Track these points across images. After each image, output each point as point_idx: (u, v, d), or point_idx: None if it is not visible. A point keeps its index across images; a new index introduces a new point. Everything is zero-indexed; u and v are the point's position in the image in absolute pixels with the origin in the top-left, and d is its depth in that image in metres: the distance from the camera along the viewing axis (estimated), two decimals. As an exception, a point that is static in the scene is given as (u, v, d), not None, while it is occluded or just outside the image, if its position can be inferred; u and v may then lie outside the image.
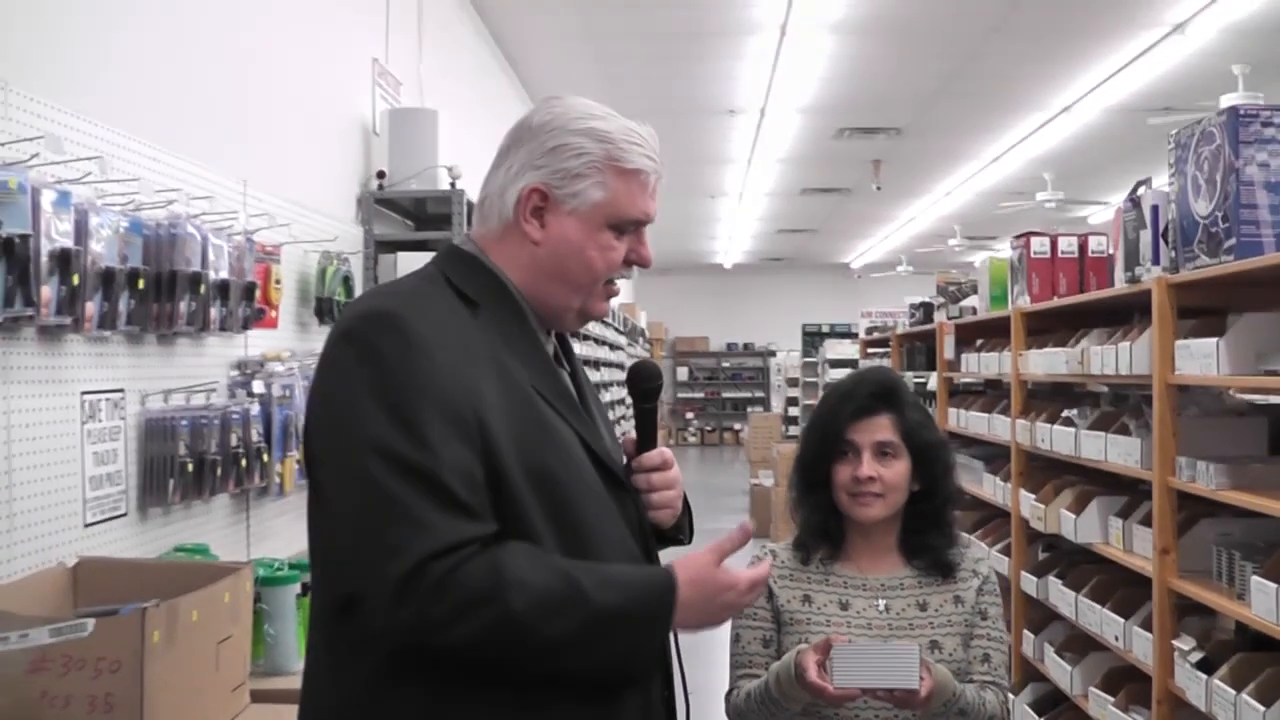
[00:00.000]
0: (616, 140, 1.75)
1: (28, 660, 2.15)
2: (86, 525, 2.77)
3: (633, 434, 1.91)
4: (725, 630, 2.32)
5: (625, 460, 1.86)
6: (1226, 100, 7.42)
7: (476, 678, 1.59)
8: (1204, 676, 2.75)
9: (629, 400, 2.01)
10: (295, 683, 2.85)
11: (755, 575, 1.75)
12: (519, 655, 1.57)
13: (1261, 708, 2.49)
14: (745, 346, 25.59)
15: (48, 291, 2.45)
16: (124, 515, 2.93)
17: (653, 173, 1.77)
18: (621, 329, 15.33)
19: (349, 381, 1.59)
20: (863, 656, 2.05)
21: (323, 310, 4.26)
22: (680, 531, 1.95)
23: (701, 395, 25.32)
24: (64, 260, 2.49)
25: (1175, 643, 2.95)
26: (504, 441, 1.61)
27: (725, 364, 25.61)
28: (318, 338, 4.27)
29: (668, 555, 1.92)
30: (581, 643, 1.58)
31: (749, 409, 22.89)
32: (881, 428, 2.28)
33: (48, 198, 2.44)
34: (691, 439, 24.93)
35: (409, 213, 5.49)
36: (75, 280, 2.52)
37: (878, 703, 2.15)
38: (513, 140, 1.81)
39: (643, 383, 1.94)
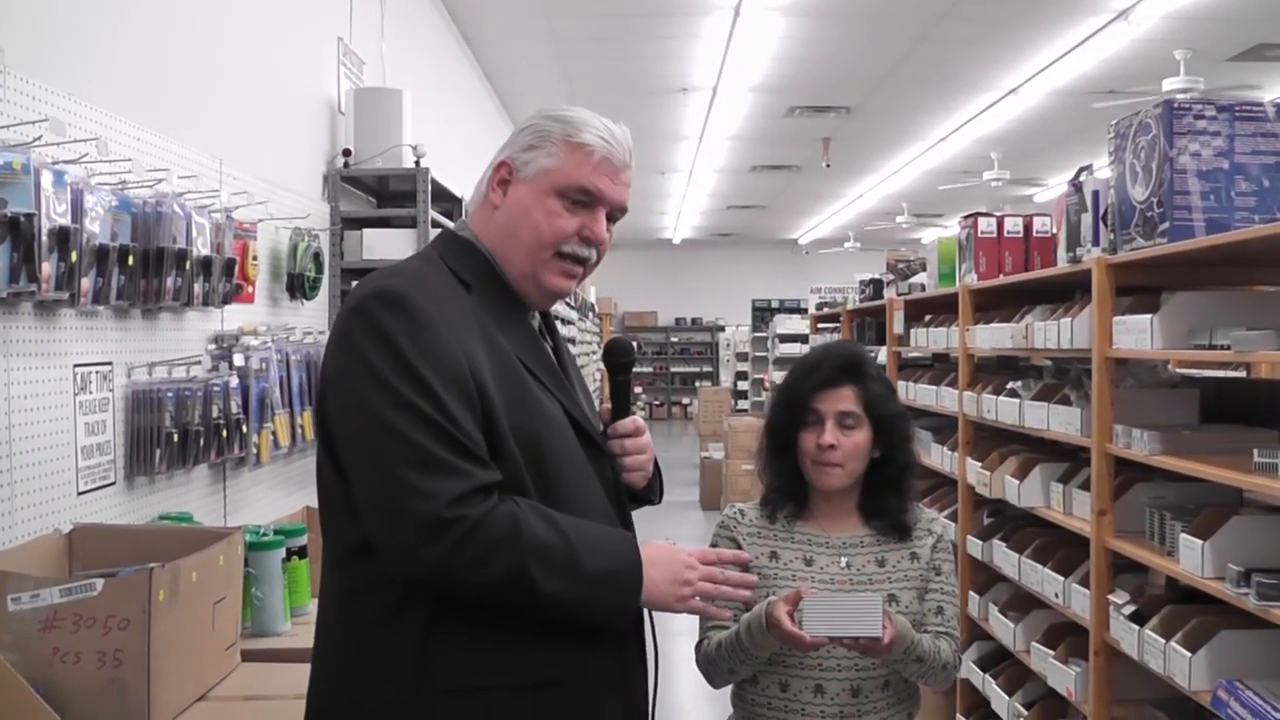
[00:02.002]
0: (574, 122, 1.93)
1: (39, 619, 2.25)
2: (79, 493, 2.87)
3: (609, 404, 2.10)
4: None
5: (602, 427, 2.04)
6: (1168, 84, 7.66)
7: (467, 619, 1.77)
8: (1136, 628, 2.95)
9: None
10: (281, 644, 3.02)
11: (707, 551, 1.98)
12: (520, 603, 1.75)
13: (1188, 654, 2.70)
14: (693, 321, 25.73)
15: (48, 268, 2.55)
16: (112, 484, 3.03)
17: (599, 149, 1.91)
18: (572, 304, 15.45)
19: (364, 350, 1.75)
20: (830, 607, 2.20)
21: (294, 286, 4.35)
22: (651, 493, 2.14)
23: (650, 370, 25.46)
24: (63, 238, 2.58)
25: (1110, 597, 3.15)
26: (497, 407, 1.79)
27: (674, 339, 25.76)
28: (289, 313, 4.37)
29: (639, 515, 2.11)
30: (571, 599, 1.77)
31: (697, 383, 23.09)
32: (844, 399, 2.44)
33: (47, 178, 2.54)
34: (640, 413, 25.00)
35: (372, 190, 5.58)
36: (74, 257, 2.63)
37: (841, 650, 2.31)
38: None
39: (617, 357, 2.14)
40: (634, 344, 2.23)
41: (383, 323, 1.75)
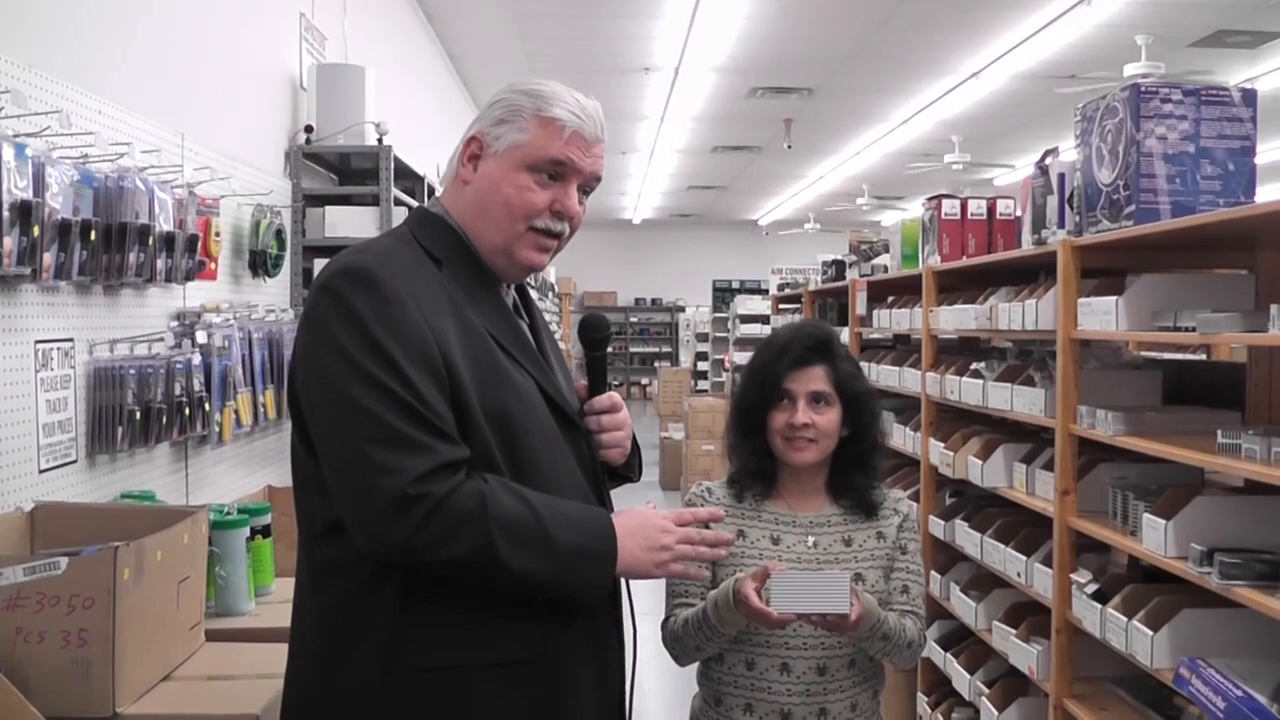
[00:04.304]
0: (545, 96, 1.91)
1: (2, 598, 2.23)
2: (41, 471, 2.84)
3: (584, 380, 2.10)
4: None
5: (578, 404, 2.04)
6: (1129, 69, 7.71)
7: (439, 597, 1.77)
8: (1099, 606, 2.98)
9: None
10: (245, 623, 3.00)
11: (681, 511, 1.97)
12: (489, 579, 1.75)
13: (1150, 632, 2.73)
14: (653, 302, 25.71)
15: (9, 242, 2.51)
16: (74, 462, 3.00)
17: (569, 123, 1.91)
18: (532, 283, 15.42)
19: (331, 327, 1.75)
20: (798, 584, 2.20)
21: (256, 263, 4.31)
22: (630, 469, 2.14)
23: (610, 350, 25.30)
24: (25, 212, 2.54)
25: (1073, 576, 3.18)
26: (466, 384, 1.78)
27: (633, 319, 25.73)
28: (250, 290, 4.33)
29: (618, 493, 2.11)
30: (542, 576, 1.77)
31: (657, 364, 23.12)
32: (816, 378, 2.45)
33: (8, 151, 2.50)
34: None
35: (334, 167, 5.53)
36: (35, 232, 2.59)
37: (808, 628, 2.33)
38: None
39: (592, 333, 2.14)
40: (608, 320, 2.22)
41: (350, 300, 1.75)
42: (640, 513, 1.92)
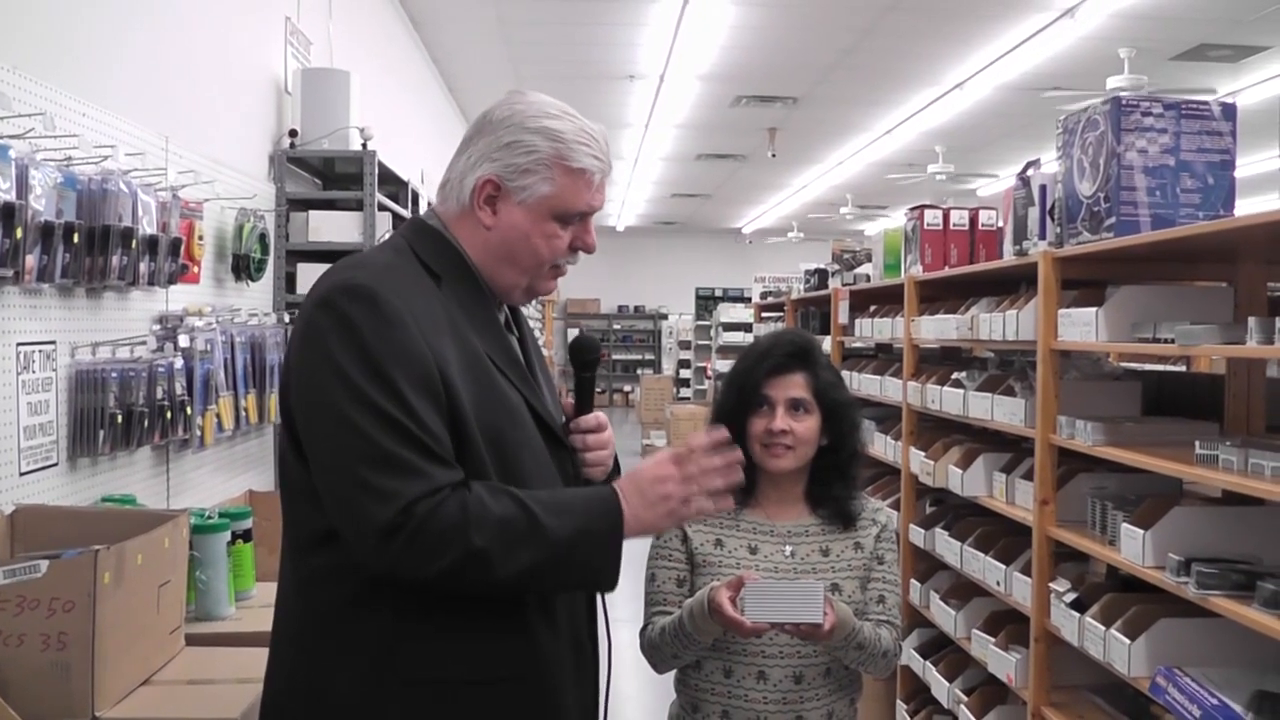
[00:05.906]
0: (567, 140, 1.89)
1: (-19, 601, 2.23)
2: (21, 474, 2.83)
3: (572, 399, 2.11)
4: (642, 571, 2.52)
5: (564, 420, 2.05)
6: (1112, 82, 7.76)
7: (431, 611, 1.77)
8: (1077, 615, 3.00)
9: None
10: (225, 628, 3.00)
11: (678, 450, 1.87)
12: (489, 583, 1.73)
13: (1127, 641, 2.75)
14: (636, 309, 25.70)
15: (-8, 245, 2.51)
16: (55, 465, 2.99)
17: (598, 171, 1.93)
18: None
19: (330, 346, 1.73)
20: (772, 593, 2.22)
21: (239, 267, 4.30)
22: None
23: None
24: (7, 214, 2.54)
25: (1052, 585, 3.20)
26: (464, 404, 1.78)
27: (616, 326, 25.73)
28: (233, 294, 4.32)
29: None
30: (547, 567, 1.75)
31: (639, 371, 23.12)
32: (795, 385, 2.46)
33: (-9, 153, 2.50)
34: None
35: (318, 171, 5.53)
36: (18, 234, 2.58)
37: (784, 637, 2.34)
38: (475, 131, 1.96)
39: (583, 354, 2.15)
40: (599, 341, 2.25)
41: (350, 319, 1.73)
42: (633, 473, 1.86)
